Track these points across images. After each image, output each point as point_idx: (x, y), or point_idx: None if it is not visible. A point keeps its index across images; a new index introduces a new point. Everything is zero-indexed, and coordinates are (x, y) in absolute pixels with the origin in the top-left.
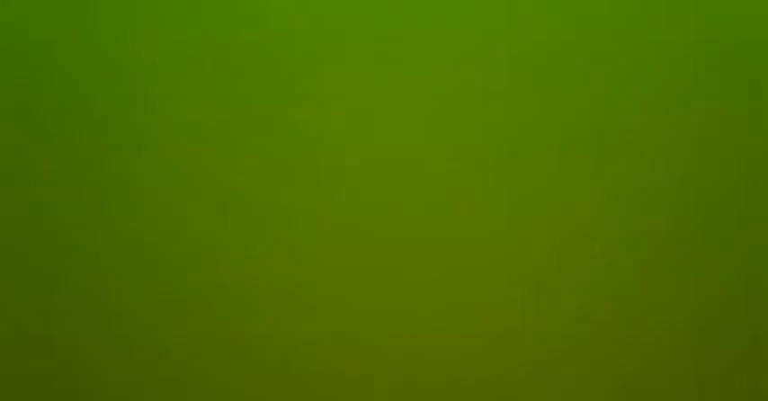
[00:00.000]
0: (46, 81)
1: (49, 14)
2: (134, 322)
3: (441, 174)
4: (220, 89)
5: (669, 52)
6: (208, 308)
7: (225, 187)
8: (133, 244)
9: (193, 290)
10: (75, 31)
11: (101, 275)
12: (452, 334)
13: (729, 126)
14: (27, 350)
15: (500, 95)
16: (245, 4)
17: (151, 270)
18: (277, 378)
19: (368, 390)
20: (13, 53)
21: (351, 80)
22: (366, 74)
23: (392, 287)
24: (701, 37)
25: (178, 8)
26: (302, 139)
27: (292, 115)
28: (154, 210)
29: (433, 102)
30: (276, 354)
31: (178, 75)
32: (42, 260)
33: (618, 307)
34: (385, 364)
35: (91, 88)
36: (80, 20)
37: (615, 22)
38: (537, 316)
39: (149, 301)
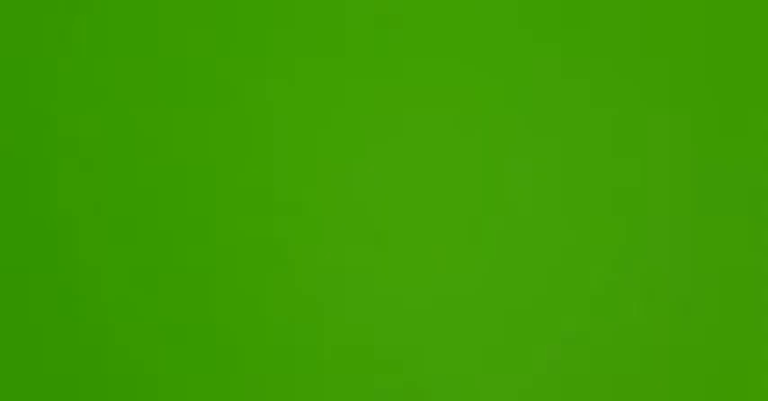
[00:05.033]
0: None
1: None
2: (138, 320)
3: (445, 178)
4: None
5: (677, 51)
6: (211, 309)
7: (234, 187)
8: (135, 243)
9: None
10: (80, 30)
11: (98, 273)
12: (459, 335)
13: (733, 126)
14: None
15: (504, 93)
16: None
17: (153, 270)
18: (281, 379)
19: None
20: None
21: (358, 80)
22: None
23: (401, 289)
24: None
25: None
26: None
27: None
28: (161, 209)
29: (444, 101)
30: (282, 355)
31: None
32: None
33: (624, 308)
34: (387, 365)
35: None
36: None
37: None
38: (545, 315)
39: (154, 301)
